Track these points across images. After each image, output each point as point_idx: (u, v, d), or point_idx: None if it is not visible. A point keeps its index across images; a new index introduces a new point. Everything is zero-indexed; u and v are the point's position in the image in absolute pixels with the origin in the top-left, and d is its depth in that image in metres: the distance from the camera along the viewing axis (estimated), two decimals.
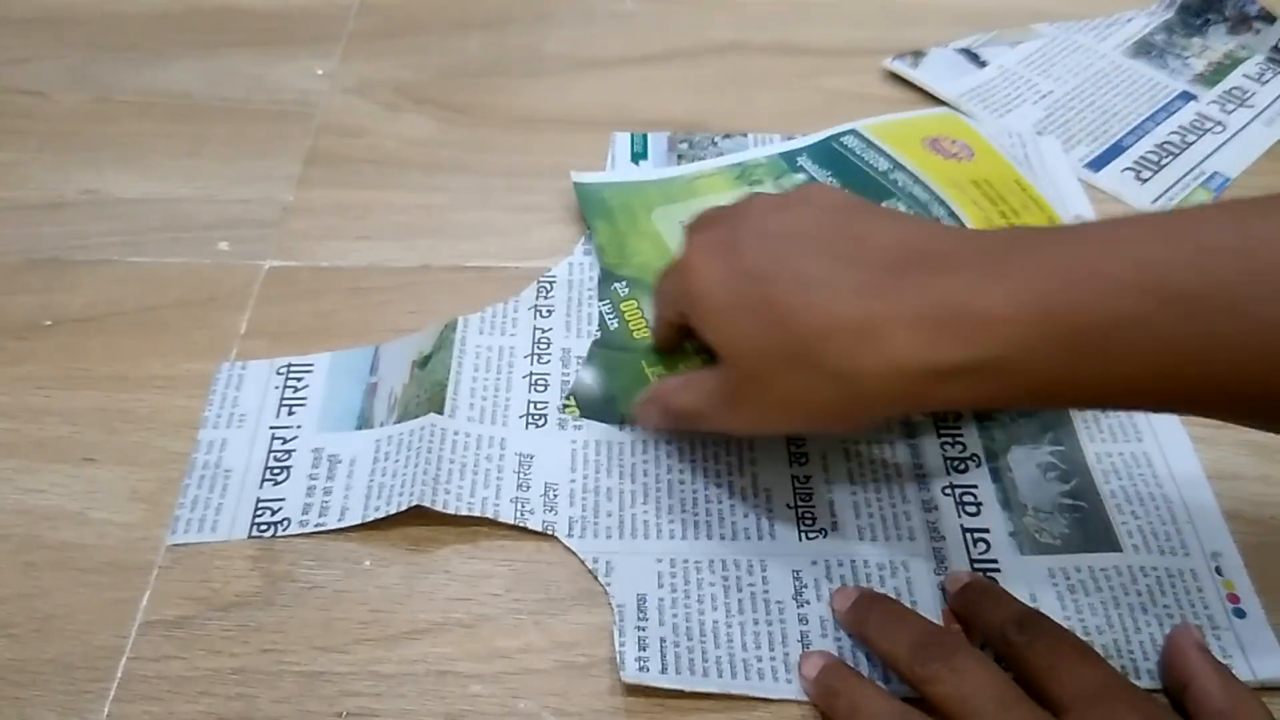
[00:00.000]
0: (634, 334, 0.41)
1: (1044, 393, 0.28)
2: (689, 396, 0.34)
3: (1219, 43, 0.57)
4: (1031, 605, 0.32)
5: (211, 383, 0.39)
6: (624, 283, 0.42)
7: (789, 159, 0.48)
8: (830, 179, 0.47)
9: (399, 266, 0.44)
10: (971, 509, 0.36)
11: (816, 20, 0.58)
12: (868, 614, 0.32)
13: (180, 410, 0.39)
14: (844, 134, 0.49)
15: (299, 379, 0.40)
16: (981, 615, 0.32)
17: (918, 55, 0.55)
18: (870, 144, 0.48)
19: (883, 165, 0.46)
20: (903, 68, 0.54)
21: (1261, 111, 0.52)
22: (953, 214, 0.43)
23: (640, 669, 0.31)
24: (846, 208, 0.31)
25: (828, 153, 0.48)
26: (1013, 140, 0.50)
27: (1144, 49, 0.56)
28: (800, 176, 0.47)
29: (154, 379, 0.40)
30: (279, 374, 0.40)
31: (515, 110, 0.52)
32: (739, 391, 0.31)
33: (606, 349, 0.40)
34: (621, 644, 0.32)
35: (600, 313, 0.42)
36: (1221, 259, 0.25)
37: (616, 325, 0.41)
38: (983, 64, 0.55)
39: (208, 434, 0.38)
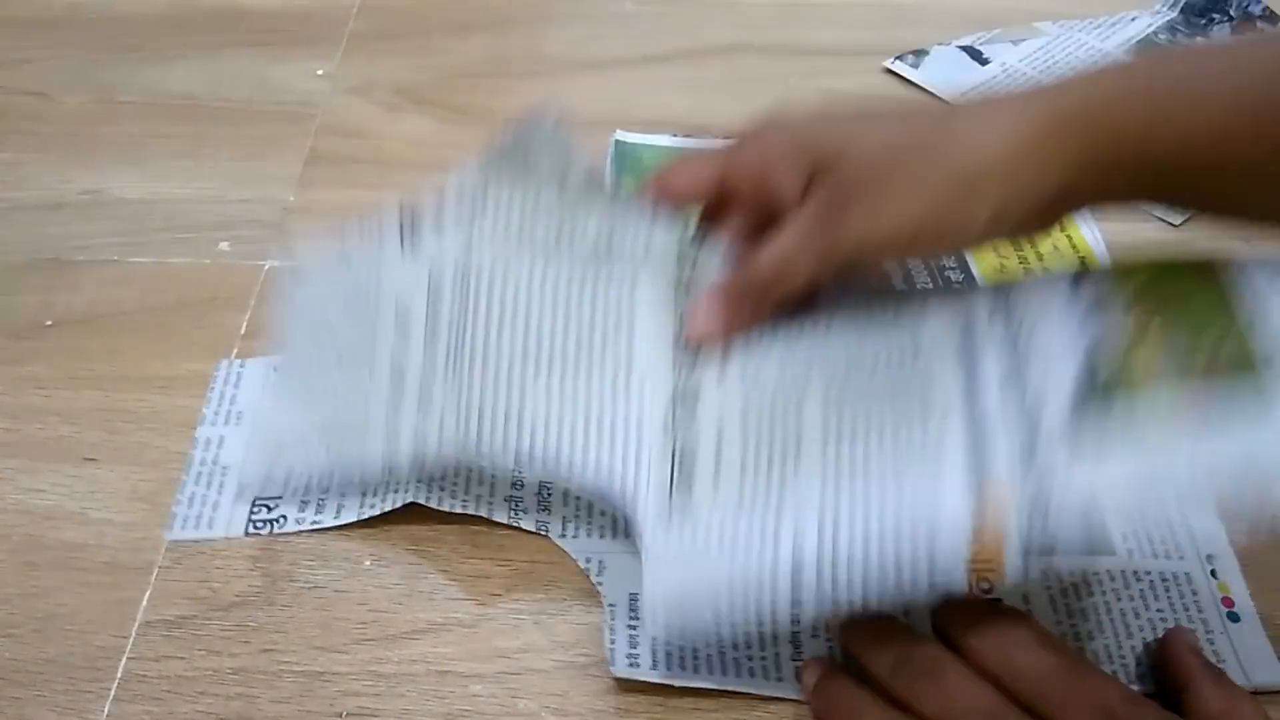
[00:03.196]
0: None
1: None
2: (773, 250, 0.32)
3: None
4: (1024, 609, 0.32)
5: (210, 380, 0.40)
6: None
7: None
8: None
9: None
10: None
11: (816, 21, 0.58)
12: (854, 627, 0.31)
13: (181, 410, 0.39)
14: None
15: None
16: (969, 633, 0.31)
17: (919, 55, 0.55)
18: None
19: None
20: (903, 68, 0.54)
21: None
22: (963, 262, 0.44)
23: (630, 665, 0.31)
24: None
25: None
26: None
27: (1147, 48, 0.56)
28: None
29: (155, 379, 0.40)
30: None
31: (515, 111, 0.52)
32: (851, 195, 0.30)
33: None
34: (611, 641, 0.32)
35: None
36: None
37: None
38: (985, 61, 0.55)
39: (205, 431, 0.38)
